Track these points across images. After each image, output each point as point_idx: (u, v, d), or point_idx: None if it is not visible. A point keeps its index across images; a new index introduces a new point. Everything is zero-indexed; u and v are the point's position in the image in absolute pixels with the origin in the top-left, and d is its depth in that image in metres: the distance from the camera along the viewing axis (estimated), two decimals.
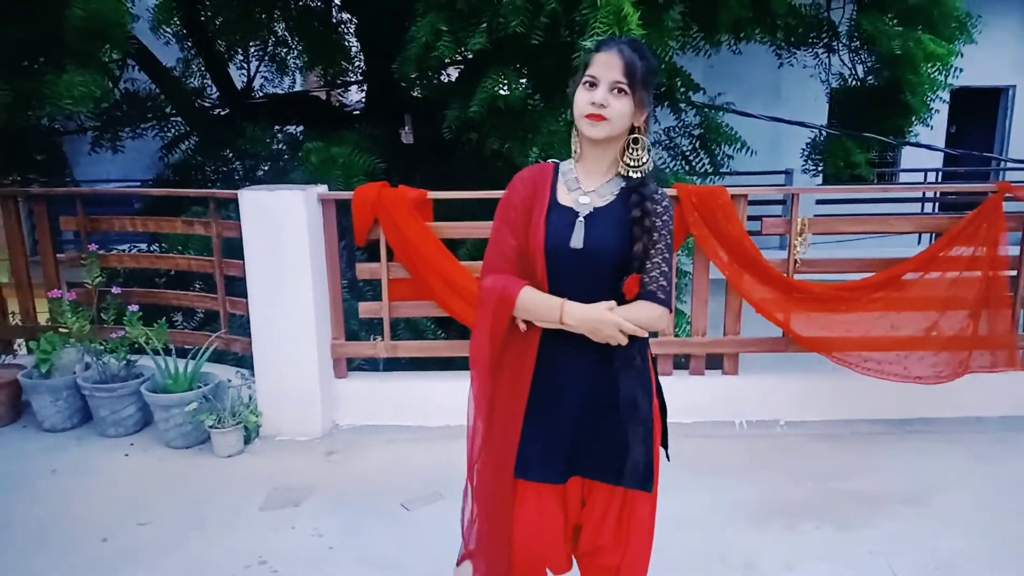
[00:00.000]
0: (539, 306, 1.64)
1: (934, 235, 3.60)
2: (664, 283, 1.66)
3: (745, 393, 3.67)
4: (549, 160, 1.77)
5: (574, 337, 1.64)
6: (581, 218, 1.65)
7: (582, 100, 1.61)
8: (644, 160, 1.66)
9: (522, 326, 1.69)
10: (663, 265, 1.66)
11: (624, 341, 1.62)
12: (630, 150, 1.66)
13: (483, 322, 1.71)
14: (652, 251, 1.64)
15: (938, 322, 3.50)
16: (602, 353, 1.65)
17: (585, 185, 1.69)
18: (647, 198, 1.65)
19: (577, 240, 1.63)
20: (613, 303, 1.62)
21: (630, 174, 1.66)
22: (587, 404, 1.69)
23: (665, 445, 1.83)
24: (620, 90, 1.58)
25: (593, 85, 1.60)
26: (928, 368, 3.49)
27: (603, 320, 1.61)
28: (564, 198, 1.69)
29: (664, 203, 1.68)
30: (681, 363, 3.79)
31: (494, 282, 1.69)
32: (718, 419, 3.66)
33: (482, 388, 1.76)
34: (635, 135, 1.66)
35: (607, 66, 1.58)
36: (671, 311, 1.70)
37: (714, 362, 3.71)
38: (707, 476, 3.17)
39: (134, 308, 3.56)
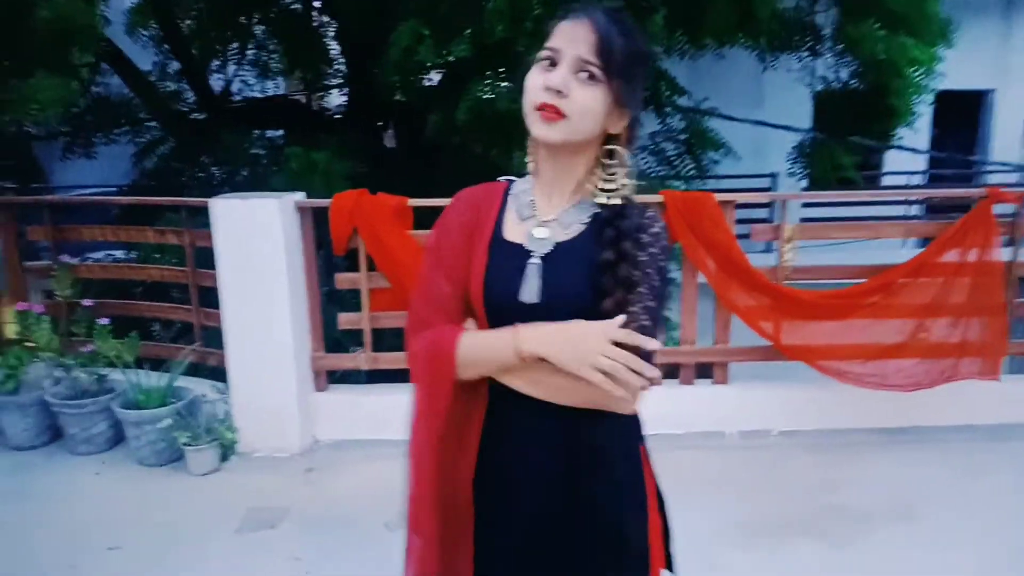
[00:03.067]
0: (487, 347, 1.16)
1: (919, 240, 3.56)
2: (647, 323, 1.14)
3: (736, 403, 3.60)
4: (502, 178, 1.33)
5: (528, 407, 1.17)
6: (536, 259, 1.18)
7: (534, 84, 1.14)
8: (621, 184, 1.19)
9: None
10: (641, 316, 1.14)
11: (627, 371, 1.06)
12: (602, 168, 1.19)
13: (420, 403, 1.22)
14: (636, 311, 1.15)
15: (921, 329, 3.45)
16: (569, 433, 1.18)
17: (543, 211, 1.22)
18: (625, 234, 1.16)
19: (529, 292, 1.17)
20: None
21: (600, 200, 1.20)
22: (547, 522, 1.20)
23: None
24: (589, 74, 1.11)
25: (552, 63, 1.13)
26: (905, 377, 3.44)
27: (587, 334, 1.09)
28: (513, 231, 1.23)
29: (653, 229, 1.19)
30: (670, 373, 3.71)
31: (420, 343, 1.21)
32: (708, 429, 3.58)
33: (428, 492, 1.22)
34: (610, 146, 1.18)
35: (572, 38, 1.12)
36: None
37: (704, 371, 3.64)
38: (696, 489, 3.08)
39: (104, 321, 3.43)
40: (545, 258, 1.19)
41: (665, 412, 3.58)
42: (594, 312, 1.13)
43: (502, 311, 1.18)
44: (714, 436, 3.56)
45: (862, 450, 3.45)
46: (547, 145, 1.17)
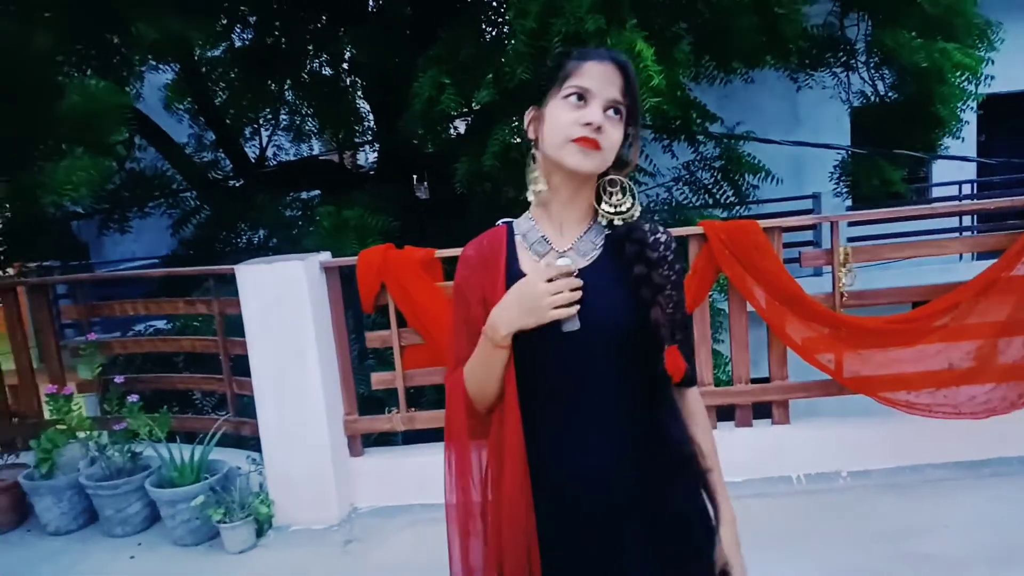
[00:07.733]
0: (477, 355, 1.26)
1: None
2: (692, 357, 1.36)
3: (800, 443, 3.32)
4: (500, 221, 1.36)
5: (571, 423, 1.24)
6: None
7: (567, 119, 1.19)
8: (629, 205, 1.26)
9: None
10: (678, 315, 1.30)
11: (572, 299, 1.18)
12: (607, 195, 1.26)
13: (448, 429, 1.35)
14: (676, 313, 1.29)
15: (995, 350, 3.15)
16: (626, 434, 1.24)
17: (558, 242, 1.27)
18: (646, 244, 1.25)
19: (571, 320, 1.20)
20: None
21: (614, 222, 1.27)
22: (612, 515, 1.24)
23: None
24: (617, 112, 1.21)
25: (583, 99, 1.19)
26: (978, 404, 3.12)
27: (527, 290, 1.19)
28: (532, 267, 1.27)
29: (668, 243, 1.30)
30: (724, 415, 3.46)
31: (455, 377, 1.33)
32: (772, 475, 3.30)
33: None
34: (610, 176, 1.26)
35: (603, 79, 1.19)
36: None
37: (762, 411, 3.39)
38: (764, 542, 2.79)
39: (134, 398, 3.36)
40: None
41: (722, 458, 3.34)
42: (635, 328, 1.21)
43: (540, 345, 1.21)
44: (778, 482, 3.28)
45: (945, 488, 3.13)
46: (574, 175, 1.23)
